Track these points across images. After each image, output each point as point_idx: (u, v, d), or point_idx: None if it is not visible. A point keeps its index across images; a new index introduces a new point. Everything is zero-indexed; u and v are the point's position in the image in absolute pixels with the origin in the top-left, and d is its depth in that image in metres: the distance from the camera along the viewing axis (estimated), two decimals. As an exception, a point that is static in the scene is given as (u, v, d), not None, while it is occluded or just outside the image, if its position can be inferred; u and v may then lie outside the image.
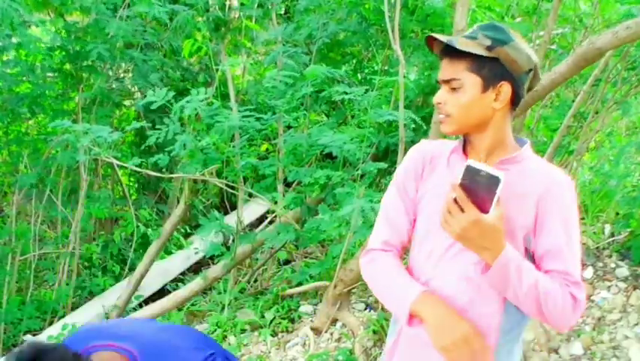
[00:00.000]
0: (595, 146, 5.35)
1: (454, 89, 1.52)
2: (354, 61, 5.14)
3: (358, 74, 5.06)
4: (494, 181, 1.39)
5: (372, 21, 4.46)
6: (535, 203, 1.50)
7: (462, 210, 1.42)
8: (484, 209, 1.42)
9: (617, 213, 4.48)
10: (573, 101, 4.42)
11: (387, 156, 4.10)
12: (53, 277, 4.69)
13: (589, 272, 3.98)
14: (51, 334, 3.90)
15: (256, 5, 4.52)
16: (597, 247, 4.18)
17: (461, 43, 1.49)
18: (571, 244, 1.51)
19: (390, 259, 1.66)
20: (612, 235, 4.27)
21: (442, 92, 1.55)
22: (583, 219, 4.51)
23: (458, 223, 1.43)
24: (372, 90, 3.40)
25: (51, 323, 4.30)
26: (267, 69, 4.88)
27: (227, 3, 4.50)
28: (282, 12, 5.68)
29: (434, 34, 1.55)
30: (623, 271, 3.95)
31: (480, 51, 1.48)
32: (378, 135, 3.97)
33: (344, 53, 5.07)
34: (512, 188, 1.51)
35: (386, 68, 4.59)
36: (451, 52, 1.51)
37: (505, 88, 1.50)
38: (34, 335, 4.19)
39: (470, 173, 1.42)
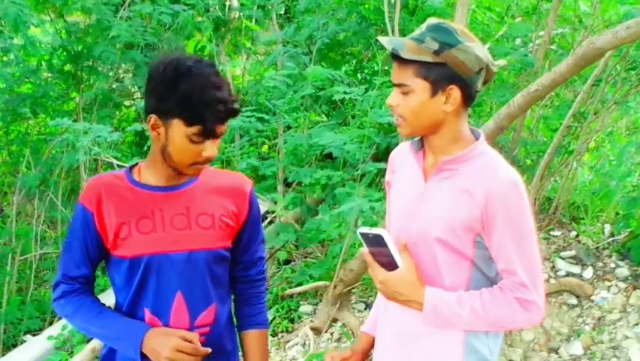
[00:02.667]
0: (595, 146, 5.35)
1: (404, 93, 1.51)
2: (354, 61, 5.15)
3: (358, 74, 5.07)
4: (380, 239, 1.46)
5: (372, 21, 4.46)
6: (480, 202, 1.48)
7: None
8: (392, 265, 1.50)
9: (617, 213, 4.49)
10: (573, 101, 4.43)
11: (388, 156, 4.10)
12: (53, 277, 4.68)
13: (589, 272, 3.98)
14: (51, 334, 3.90)
15: (256, 6, 4.52)
16: (597, 247, 4.19)
17: (408, 50, 1.48)
18: (519, 244, 1.48)
19: None
20: (612, 235, 4.27)
21: (395, 94, 1.54)
22: (583, 219, 4.52)
23: (376, 284, 1.53)
24: (372, 90, 3.40)
25: (51, 323, 4.30)
26: (267, 69, 4.88)
27: (227, 3, 4.50)
28: (282, 12, 5.68)
29: (380, 38, 1.55)
30: (623, 271, 3.95)
31: (427, 57, 1.46)
32: (379, 135, 3.98)
33: (344, 53, 5.07)
34: (456, 184, 1.51)
35: (386, 68, 4.59)
36: (399, 56, 1.50)
37: (455, 91, 1.49)
38: (34, 335, 4.19)
39: (365, 238, 1.51)
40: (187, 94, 1.47)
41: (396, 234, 1.57)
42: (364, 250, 1.54)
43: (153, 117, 1.53)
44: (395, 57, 1.52)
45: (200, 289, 1.64)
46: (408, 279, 1.50)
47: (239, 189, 1.70)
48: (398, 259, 1.49)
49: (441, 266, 1.54)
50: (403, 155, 1.70)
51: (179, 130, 1.50)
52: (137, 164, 1.67)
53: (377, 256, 1.52)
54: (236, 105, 1.53)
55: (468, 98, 1.53)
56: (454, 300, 1.49)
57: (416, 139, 1.64)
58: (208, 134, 1.51)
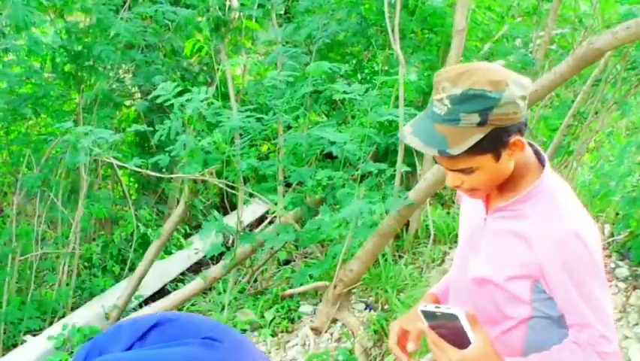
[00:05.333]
0: (595, 146, 5.35)
1: (467, 173, 1.38)
2: (354, 61, 5.15)
3: (358, 74, 5.07)
4: (453, 318, 1.34)
5: (372, 21, 4.46)
6: (536, 250, 1.38)
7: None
8: (463, 342, 1.37)
9: (617, 214, 4.48)
10: (573, 101, 4.42)
11: (388, 156, 4.11)
12: (53, 277, 4.69)
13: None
14: (51, 334, 3.90)
15: (256, 5, 4.52)
16: (597, 247, 4.18)
17: (454, 144, 1.29)
18: (586, 296, 1.38)
19: None
20: (612, 235, 4.26)
21: (453, 176, 1.39)
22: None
23: None
24: (372, 90, 3.40)
25: (51, 323, 4.30)
26: (267, 69, 4.88)
27: (227, 3, 4.50)
28: (282, 12, 5.68)
29: (411, 141, 1.34)
30: (623, 271, 3.95)
31: (474, 137, 1.29)
32: (379, 135, 3.98)
33: (344, 53, 5.07)
34: (514, 226, 1.42)
35: (386, 68, 4.59)
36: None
37: (517, 141, 1.35)
38: (34, 335, 4.20)
39: (429, 316, 1.38)
40: None
41: (457, 271, 1.50)
42: (425, 327, 1.39)
43: None
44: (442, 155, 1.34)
45: None
46: (486, 354, 1.36)
47: None
48: (471, 334, 1.36)
49: (500, 307, 1.47)
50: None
51: None
52: None
53: (441, 332, 1.38)
54: None
55: (524, 130, 1.39)
56: None
57: None
58: None
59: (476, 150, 1.32)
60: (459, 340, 1.37)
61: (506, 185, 1.44)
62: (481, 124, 1.29)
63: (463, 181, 1.40)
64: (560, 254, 1.36)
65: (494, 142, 1.33)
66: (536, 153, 1.48)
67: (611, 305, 1.43)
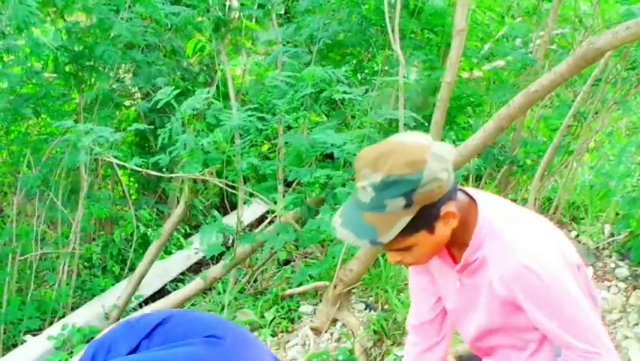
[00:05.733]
0: (595, 146, 5.35)
1: (406, 250, 1.39)
2: (354, 61, 5.14)
3: (358, 75, 5.06)
4: None
5: (372, 21, 4.46)
6: (501, 291, 1.40)
7: None
8: None
9: (617, 214, 4.49)
10: (573, 101, 4.43)
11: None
12: (53, 277, 4.69)
13: (589, 272, 3.98)
14: (51, 334, 3.90)
15: (256, 5, 4.52)
16: (597, 247, 4.19)
17: (383, 233, 1.29)
18: (560, 320, 1.38)
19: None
20: (612, 235, 4.27)
21: (394, 254, 1.41)
22: (583, 219, 4.52)
23: None
24: (372, 90, 3.40)
25: (51, 323, 4.30)
26: (267, 69, 4.88)
27: (227, 3, 4.50)
28: (282, 12, 5.68)
29: (345, 237, 1.35)
30: (623, 271, 3.95)
31: (403, 221, 1.29)
32: (379, 136, 3.97)
33: (344, 53, 5.07)
34: (480, 277, 1.44)
35: (386, 68, 4.59)
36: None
37: (448, 210, 1.35)
38: (34, 335, 4.19)
39: None
40: None
41: (467, 332, 1.54)
42: None
43: None
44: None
45: None
46: None
47: None
48: None
49: (516, 337, 1.49)
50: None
51: None
52: None
53: None
54: None
55: (455, 193, 1.38)
56: None
57: None
58: None
59: (408, 231, 1.32)
60: None
61: (457, 242, 1.44)
62: (407, 207, 1.29)
63: (404, 257, 1.41)
64: (520, 290, 1.37)
65: (425, 220, 1.33)
66: (467, 194, 1.47)
67: (592, 317, 1.40)
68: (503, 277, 1.38)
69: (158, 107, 3.41)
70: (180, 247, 5.42)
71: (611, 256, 4.09)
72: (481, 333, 1.53)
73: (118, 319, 4.05)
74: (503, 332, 1.51)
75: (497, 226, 1.41)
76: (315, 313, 3.96)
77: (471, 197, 1.46)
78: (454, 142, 5.03)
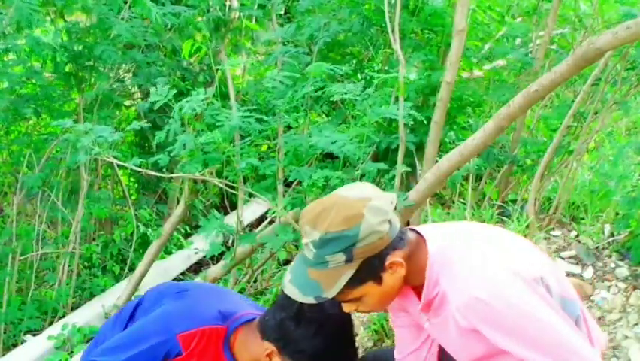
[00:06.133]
0: (595, 146, 5.35)
1: (355, 301, 1.42)
2: (355, 61, 5.15)
3: (358, 75, 5.07)
4: None
5: (372, 21, 4.46)
6: (463, 324, 1.38)
7: None
8: None
9: (617, 214, 4.48)
10: (573, 101, 4.43)
11: (388, 156, 4.11)
12: (53, 277, 4.69)
13: (589, 272, 3.98)
14: (51, 334, 3.90)
15: (256, 5, 4.52)
16: (597, 247, 4.19)
17: (328, 288, 1.33)
18: (527, 344, 1.35)
19: None
20: (612, 235, 4.26)
21: (346, 305, 1.43)
22: (583, 219, 4.51)
23: None
24: (371, 90, 3.39)
25: (51, 323, 4.30)
26: (267, 69, 4.88)
27: (227, 3, 4.50)
28: (282, 12, 5.69)
29: (293, 294, 1.37)
30: (623, 271, 3.95)
31: (346, 274, 1.33)
32: (379, 135, 3.97)
33: (344, 53, 5.07)
34: (443, 317, 1.44)
35: (386, 68, 4.59)
36: None
37: (394, 260, 1.37)
38: (34, 335, 4.19)
39: None
40: (320, 354, 1.44)
41: None
42: None
43: (273, 349, 1.49)
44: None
45: None
46: None
47: None
48: None
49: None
50: (399, 305, 1.63)
51: None
52: (239, 326, 1.61)
53: None
54: None
55: (400, 243, 1.39)
56: None
57: None
58: None
59: (353, 284, 1.34)
60: None
61: (414, 283, 1.45)
62: (348, 261, 1.32)
63: (358, 306, 1.43)
64: (478, 321, 1.36)
65: (369, 272, 1.35)
66: (415, 231, 1.48)
67: (560, 331, 1.36)
68: (459, 311, 1.37)
69: (156, 107, 3.41)
70: (180, 247, 5.42)
71: (611, 256, 4.09)
72: None
73: (118, 319, 4.04)
74: (497, 357, 1.46)
75: (447, 258, 1.41)
76: (315, 313, 3.96)
77: (419, 234, 1.47)
78: (453, 142, 5.03)
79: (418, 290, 1.51)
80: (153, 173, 3.77)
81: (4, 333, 4.24)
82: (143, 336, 1.56)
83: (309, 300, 1.35)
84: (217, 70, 4.27)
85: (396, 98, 3.77)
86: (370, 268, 1.35)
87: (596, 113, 4.49)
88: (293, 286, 1.37)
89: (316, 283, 1.33)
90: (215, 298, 1.67)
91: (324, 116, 5.20)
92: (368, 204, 1.33)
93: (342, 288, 1.33)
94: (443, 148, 4.54)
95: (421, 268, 1.43)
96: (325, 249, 1.32)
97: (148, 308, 1.68)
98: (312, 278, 1.34)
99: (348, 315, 1.46)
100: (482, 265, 1.38)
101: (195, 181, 5.01)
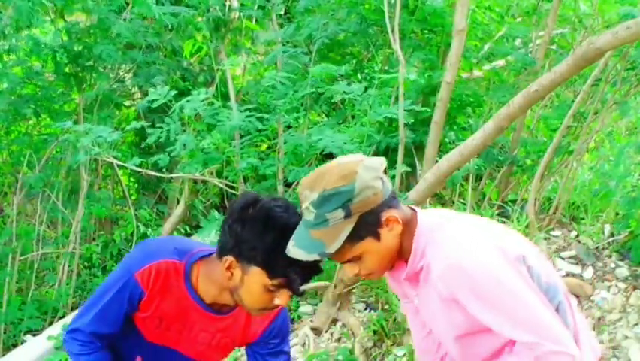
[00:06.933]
0: (595, 146, 5.35)
1: (356, 260, 1.48)
2: (354, 61, 5.14)
3: (358, 74, 5.06)
4: None
5: (372, 21, 4.46)
6: (445, 293, 1.45)
7: None
8: None
9: (617, 214, 4.48)
10: (573, 101, 4.42)
11: (388, 156, 4.10)
12: (53, 277, 4.69)
13: (589, 272, 3.98)
14: (51, 334, 3.90)
15: (256, 5, 4.52)
16: (597, 247, 4.18)
17: (329, 244, 1.40)
18: (499, 313, 1.41)
19: None
20: (612, 235, 4.26)
21: (349, 266, 1.50)
22: (583, 219, 4.51)
23: None
24: (371, 89, 3.40)
25: (51, 323, 4.30)
26: (267, 69, 4.88)
27: (227, 3, 4.50)
28: (282, 12, 5.68)
29: (295, 253, 1.43)
30: (623, 271, 3.95)
31: (346, 230, 1.41)
32: (379, 135, 3.97)
33: (344, 53, 5.07)
34: (429, 286, 1.49)
35: (386, 68, 4.59)
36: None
37: (389, 217, 1.44)
38: (34, 335, 4.19)
39: None
40: (277, 247, 1.44)
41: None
42: None
43: (231, 260, 1.50)
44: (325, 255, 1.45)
45: None
46: None
47: (266, 317, 1.71)
48: None
49: (481, 347, 1.52)
50: (393, 282, 1.69)
51: (258, 279, 1.48)
52: (197, 260, 1.62)
53: None
54: (320, 265, 1.52)
55: (395, 202, 1.48)
56: None
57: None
58: (290, 289, 1.50)
59: (353, 239, 1.42)
60: None
61: (407, 255, 1.51)
62: (347, 217, 1.40)
63: (360, 269, 1.49)
64: (456, 287, 1.43)
65: (367, 227, 1.43)
66: (409, 208, 1.56)
67: (534, 307, 1.42)
68: (440, 279, 1.44)
69: (154, 107, 3.41)
70: (180, 247, 5.41)
71: (611, 256, 4.09)
72: (455, 344, 1.54)
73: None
74: (476, 337, 1.51)
75: (435, 231, 1.49)
76: (315, 313, 3.96)
77: (412, 209, 1.55)
78: (453, 142, 5.03)
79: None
80: (153, 173, 3.77)
81: (4, 333, 4.24)
82: (108, 287, 1.60)
83: (314, 257, 1.41)
84: (217, 70, 4.27)
85: (396, 98, 3.77)
86: (368, 224, 1.43)
87: (596, 113, 4.49)
88: (297, 248, 1.43)
89: (319, 242, 1.41)
90: (171, 240, 1.71)
91: (324, 116, 5.20)
92: (360, 164, 1.44)
93: (343, 243, 1.41)
94: (443, 148, 4.54)
95: (411, 238, 1.51)
96: (324, 207, 1.40)
97: None
98: (315, 238, 1.41)
99: (293, 216, 1.50)
100: (467, 237, 1.46)
101: (195, 181, 5.01)
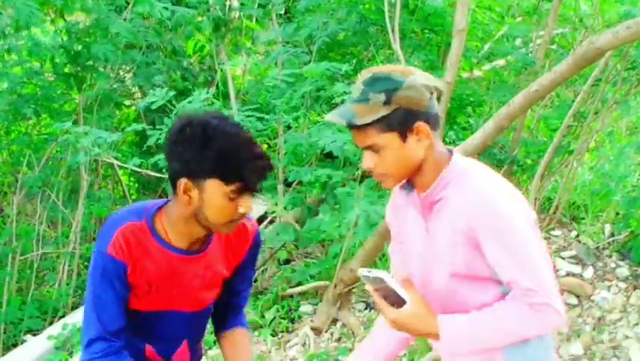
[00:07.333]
0: (595, 146, 5.35)
1: (376, 151, 1.50)
2: (354, 61, 5.14)
3: (358, 74, 5.07)
4: (382, 281, 1.48)
5: (372, 21, 4.46)
6: (464, 224, 1.48)
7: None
8: (400, 303, 1.51)
9: (617, 213, 4.48)
10: (573, 101, 4.42)
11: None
12: (54, 277, 4.69)
13: (589, 272, 3.98)
14: (51, 334, 3.90)
15: (256, 5, 4.52)
16: (597, 247, 4.19)
17: (360, 116, 1.46)
18: (509, 252, 1.47)
19: None
20: (612, 235, 4.26)
21: (367, 156, 1.52)
22: (583, 219, 4.52)
23: (388, 323, 1.55)
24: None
25: (51, 323, 4.30)
26: (267, 69, 4.88)
27: (227, 3, 4.50)
28: (282, 12, 5.68)
29: (329, 116, 1.52)
30: (623, 271, 3.95)
31: (381, 112, 1.45)
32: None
33: (344, 52, 5.07)
34: (447, 215, 1.52)
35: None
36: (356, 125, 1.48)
37: (422, 127, 1.48)
38: (34, 335, 4.19)
39: (367, 280, 1.52)
40: (223, 153, 1.45)
41: (419, 278, 1.59)
42: (370, 289, 1.54)
43: (184, 181, 1.49)
44: (352, 126, 1.50)
45: (200, 335, 1.78)
46: (418, 313, 1.51)
47: (242, 241, 1.74)
48: (404, 295, 1.50)
49: (467, 297, 1.54)
50: (401, 201, 1.68)
51: (216, 190, 1.48)
52: (155, 212, 1.62)
53: (383, 294, 1.52)
54: (270, 161, 1.54)
55: (434, 124, 1.52)
56: (467, 323, 1.49)
57: (404, 182, 1.61)
58: (249, 190, 1.50)
59: (381, 125, 1.47)
60: (397, 301, 1.51)
61: (427, 182, 1.55)
62: (386, 103, 1.46)
63: (376, 164, 1.52)
64: (475, 223, 1.47)
65: (399, 121, 1.47)
66: (450, 151, 1.60)
67: (542, 263, 1.50)
68: (465, 208, 1.48)
69: (154, 107, 3.41)
70: (180, 247, 5.41)
71: (611, 256, 4.09)
72: (447, 283, 1.56)
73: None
74: (467, 283, 1.54)
75: (467, 170, 1.54)
76: (315, 313, 3.96)
77: (452, 150, 1.60)
78: (454, 142, 5.03)
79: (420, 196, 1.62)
80: (153, 173, 3.77)
81: (4, 333, 4.24)
82: (92, 283, 1.57)
83: (342, 121, 1.49)
84: (218, 70, 4.27)
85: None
86: (401, 120, 1.47)
87: (596, 113, 4.49)
88: (332, 114, 1.52)
89: (352, 112, 1.47)
90: (123, 209, 1.71)
91: (324, 116, 5.20)
92: (420, 72, 1.53)
93: (371, 122, 1.46)
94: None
95: (437, 168, 1.55)
96: (372, 87, 1.47)
97: None
98: (353, 110, 1.48)
99: (230, 125, 1.52)
100: (496, 185, 1.54)
101: (195, 181, 5.00)
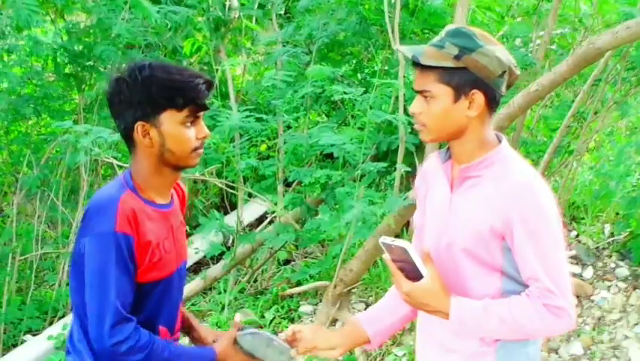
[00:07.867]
0: (595, 146, 5.35)
1: (427, 99, 1.50)
2: (354, 61, 5.14)
3: (358, 75, 5.06)
4: (404, 251, 1.46)
5: (372, 21, 4.46)
6: (499, 208, 1.47)
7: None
8: (417, 277, 1.49)
9: (617, 214, 4.49)
10: (573, 101, 4.43)
11: (388, 156, 4.11)
12: (54, 277, 4.68)
13: (589, 272, 3.98)
14: (51, 334, 3.90)
15: (256, 5, 4.52)
16: (597, 247, 4.19)
17: (427, 56, 1.47)
18: (538, 248, 1.46)
19: None
20: (612, 235, 4.27)
21: (418, 101, 1.53)
22: (583, 219, 4.52)
23: (401, 295, 1.53)
24: (371, 91, 3.40)
25: (51, 323, 4.30)
26: (267, 69, 4.88)
27: (227, 3, 4.50)
28: (282, 12, 5.68)
29: (401, 48, 1.56)
30: (623, 271, 3.96)
31: (447, 63, 1.46)
32: (379, 136, 3.97)
33: (344, 53, 5.07)
34: (479, 192, 1.51)
35: (386, 68, 4.59)
36: (419, 63, 1.49)
37: (478, 96, 1.47)
38: (34, 335, 4.19)
39: (387, 248, 1.50)
40: (166, 82, 1.52)
41: (429, 247, 1.56)
42: (387, 258, 1.51)
43: (140, 125, 1.55)
44: (416, 64, 1.50)
45: (182, 294, 1.76)
46: (433, 289, 1.48)
47: (183, 198, 1.80)
48: (423, 269, 1.48)
49: (469, 278, 1.54)
50: (434, 166, 1.68)
51: (171, 120, 1.54)
52: (130, 179, 1.63)
53: (400, 266, 1.51)
54: (208, 77, 1.60)
55: (492, 102, 1.51)
56: (481, 309, 1.48)
57: (444, 149, 1.62)
58: (200, 109, 1.56)
59: (442, 75, 1.47)
60: (413, 274, 1.48)
61: (467, 155, 1.54)
62: (457, 57, 1.45)
63: (422, 112, 1.52)
64: (515, 206, 1.46)
65: (459, 80, 1.47)
66: (497, 136, 1.60)
67: (566, 265, 1.51)
68: (509, 191, 1.47)
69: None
70: (180, 247, 5.41)
71: (611, 256, 4.09)
72: (455, 256, 1.55)
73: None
74: (473, 264, 1.53)
75: (514, 159, 1.55)
76: (315, 314, 3.96)
77: (501, 136, 1.60)
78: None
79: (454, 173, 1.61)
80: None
81: (4, 333, 4.23)
82: (102, 267, 1.52)
83: (409, 53, 1.49)
84: (217, 70, 4.27)
85: (396, 98, 3.77)
86: (461, 80, 1.47)
87: (596, 113, 4.49)
88: (406, 47, 1.54)
89: (423, 52, 1.48)
90: (101, 189, 1.74)
91: (324, 116, 5.20)
92: (506, 51, 1.51)
93: (433, 67, 1.47)
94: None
95: (482, 147, 1.54)
96: (452, 38, 1.47)
97: None
98: (424, 49, 1.49)
99: (158, 63, 1.61)
100: (540, 180, 1.54)
101: (195, 181, 5.02)
